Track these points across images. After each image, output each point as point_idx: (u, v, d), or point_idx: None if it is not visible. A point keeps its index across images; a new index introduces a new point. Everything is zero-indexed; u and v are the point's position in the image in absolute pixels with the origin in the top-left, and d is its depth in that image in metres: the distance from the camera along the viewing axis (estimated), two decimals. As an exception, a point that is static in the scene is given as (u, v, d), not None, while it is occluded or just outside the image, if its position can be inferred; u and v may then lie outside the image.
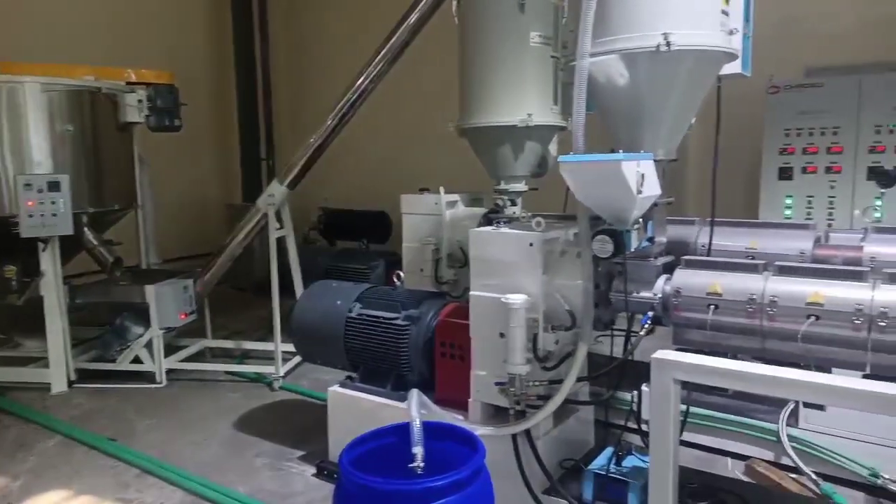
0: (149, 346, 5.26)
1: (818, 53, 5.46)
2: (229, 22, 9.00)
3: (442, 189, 4.08)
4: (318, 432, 3.96)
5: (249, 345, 5.95)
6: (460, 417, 3.17)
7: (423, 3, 4.75)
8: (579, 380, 3.22)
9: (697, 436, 3.72)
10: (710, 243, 3.36)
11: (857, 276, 2.53)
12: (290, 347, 4.55)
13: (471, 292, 3.19)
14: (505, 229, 3.17)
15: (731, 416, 3.71)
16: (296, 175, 5.39)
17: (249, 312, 7.09)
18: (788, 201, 5.23)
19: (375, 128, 8.92)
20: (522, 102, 3.48)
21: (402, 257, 4.24)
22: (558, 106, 3.60)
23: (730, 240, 3.59)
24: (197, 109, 7.17)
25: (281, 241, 5.41)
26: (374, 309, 3.63)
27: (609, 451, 3.04)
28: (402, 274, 3.91)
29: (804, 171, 5.14)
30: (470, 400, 3.23)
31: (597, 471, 2.87)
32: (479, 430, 2.90)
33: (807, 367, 2.72)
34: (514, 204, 3.80)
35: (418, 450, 2.31)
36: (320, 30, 9.29)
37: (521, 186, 3.79)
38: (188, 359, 5.60)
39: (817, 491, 3.25)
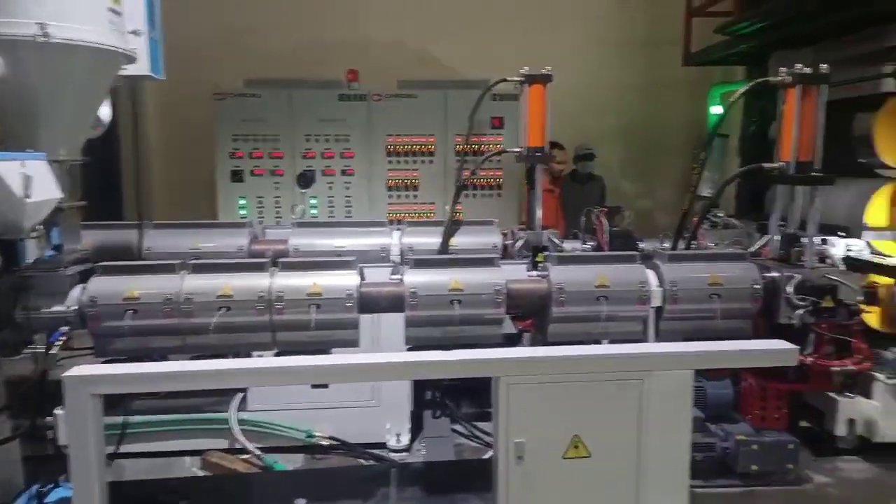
0: None
1: (258, 66, 5.99)
2: None
3: None
4: None
5: None
6: None
7: None
8: (-10, 417, 2.75)
9: (152, 444, 3.63)
10: (140, 247, 3.29)
11: (259, 267, 2.83)
12: None
13: None
14: None
15: (185, 416, 3.73)
16: None
17: None
18: (242, 202, 5.61)
19: None
20: None
21: None
22: None
23: (177, 241, 3.60)
24: None
25: None
26: None
27: (32, 489, 2.67)
28: None
29: (252, 173, 5.59)
30: None
31: (10, 518, 2.48)
32: None
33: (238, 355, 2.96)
34: None
35: None
36: None
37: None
38: None
39: (261, 464, 3.57)
